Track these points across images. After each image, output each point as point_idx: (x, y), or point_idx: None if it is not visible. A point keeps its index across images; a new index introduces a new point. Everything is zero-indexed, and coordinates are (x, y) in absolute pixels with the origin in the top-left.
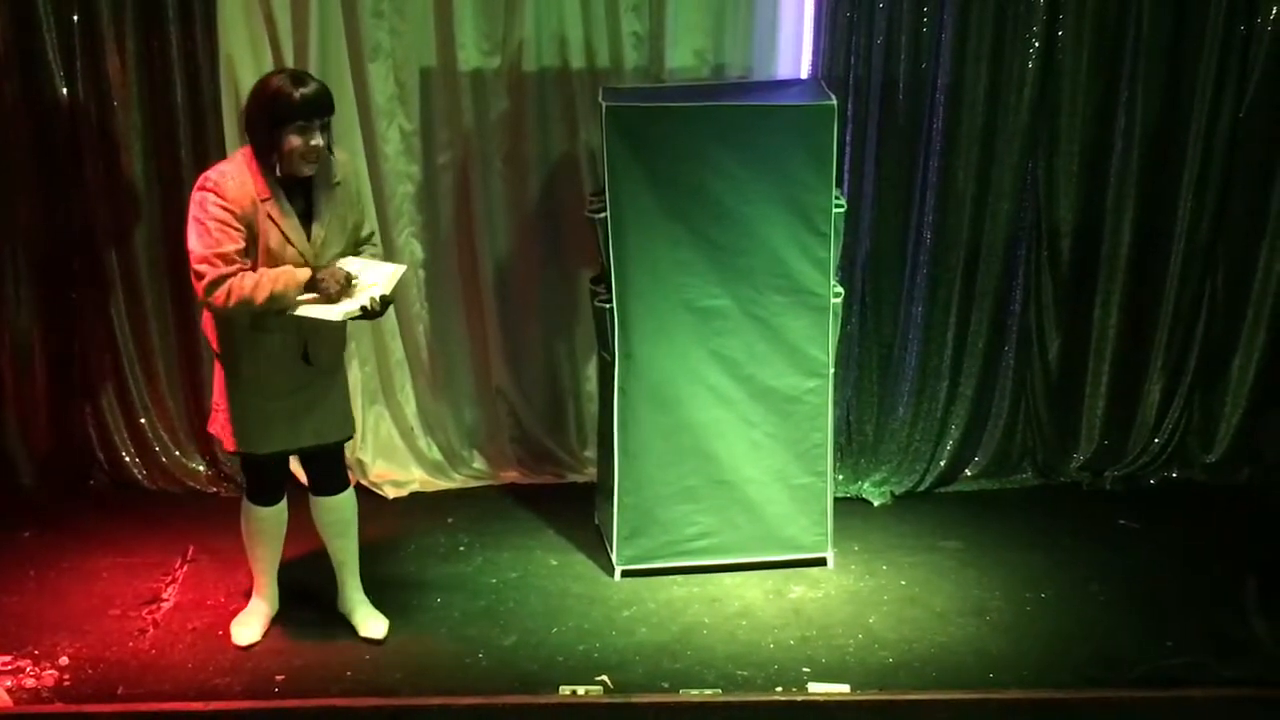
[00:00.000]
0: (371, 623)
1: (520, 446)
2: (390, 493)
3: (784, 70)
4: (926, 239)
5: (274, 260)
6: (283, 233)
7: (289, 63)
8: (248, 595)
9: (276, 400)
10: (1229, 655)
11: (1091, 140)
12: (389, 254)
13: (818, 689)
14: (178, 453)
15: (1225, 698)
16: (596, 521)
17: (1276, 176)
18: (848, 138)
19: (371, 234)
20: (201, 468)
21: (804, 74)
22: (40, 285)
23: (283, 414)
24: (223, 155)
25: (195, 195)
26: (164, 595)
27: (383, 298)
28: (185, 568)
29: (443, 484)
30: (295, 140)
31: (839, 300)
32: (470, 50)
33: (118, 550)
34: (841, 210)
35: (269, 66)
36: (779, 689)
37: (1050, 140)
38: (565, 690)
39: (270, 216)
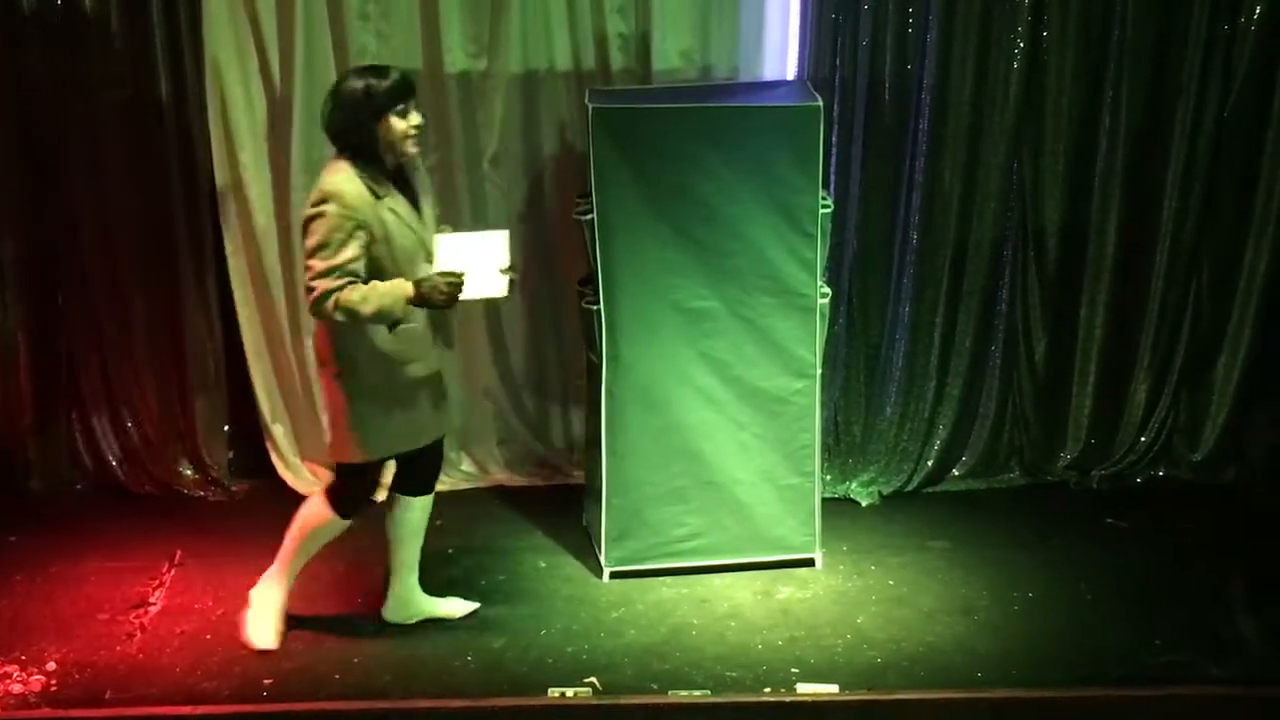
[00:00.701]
0: (456, 604)
1: (508, 448)
2: (379, 495)
3: (770, 71)
4: (913, 239)
5: (402, 252)
6: (406, 223)
7: (275, 66)
8: (237, 598)
9: (419, 390)
10: (1217, 653)
11: (1077, 140)
12: None
13: (806, 689)
14: (165, 456)
15: (1213, 696)
16: (585, 523)
17: (1261, 176)
18: (834, 138)
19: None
20: (189, 471)
21: (790, 75)
22: (26, 288)
23: (423, 405)
24: (209, 157)
25: (312, 210)
26: (151, 599)
27: (511, 267)
28: (173, 571)
29: None
30: (399, 123)
31: (826, 301)
32: (456, 53)
33: (105, 554)
34: (828, 211)
35: (255, 69)
36: (767, 690)
37: (1036, 140)
38: (554, 692)
39: (393, 210)
